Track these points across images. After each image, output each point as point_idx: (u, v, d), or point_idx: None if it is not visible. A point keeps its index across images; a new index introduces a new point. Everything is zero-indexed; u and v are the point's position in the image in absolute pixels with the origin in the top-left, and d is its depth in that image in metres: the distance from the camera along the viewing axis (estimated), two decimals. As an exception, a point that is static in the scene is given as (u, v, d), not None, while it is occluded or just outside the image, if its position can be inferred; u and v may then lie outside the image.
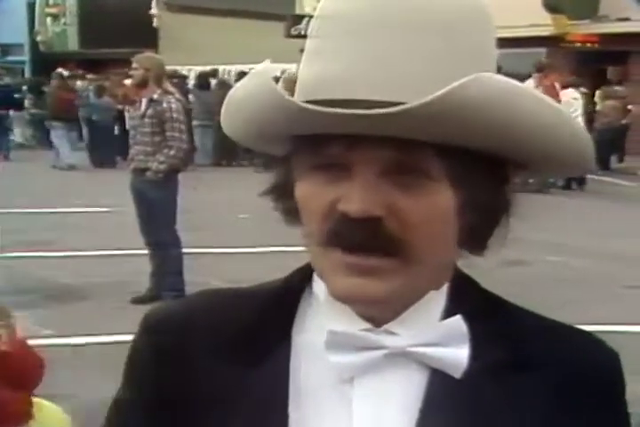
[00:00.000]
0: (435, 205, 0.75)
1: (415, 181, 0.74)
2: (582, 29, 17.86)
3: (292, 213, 0.81)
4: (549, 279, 6.82)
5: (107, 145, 15.42)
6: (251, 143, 0.87)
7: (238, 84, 0.80)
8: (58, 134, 15.72)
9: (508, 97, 0.71)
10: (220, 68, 17.89)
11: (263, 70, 0.75)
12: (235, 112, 0.82)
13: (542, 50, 18.15)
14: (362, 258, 0.74)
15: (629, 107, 14.54)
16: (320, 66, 0.76)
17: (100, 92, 16.26)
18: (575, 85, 13.28)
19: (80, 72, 20.03)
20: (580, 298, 6.15)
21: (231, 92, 0.81)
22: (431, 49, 0.73)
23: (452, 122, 0.69)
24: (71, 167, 15.04)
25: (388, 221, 0.74)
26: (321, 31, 0.77)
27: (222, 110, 0.83)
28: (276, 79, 0.76)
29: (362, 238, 0.74)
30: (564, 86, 12.64)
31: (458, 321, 0.79)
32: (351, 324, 0.81)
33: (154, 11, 26.12)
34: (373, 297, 0.76)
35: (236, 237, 8.23)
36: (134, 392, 0.87)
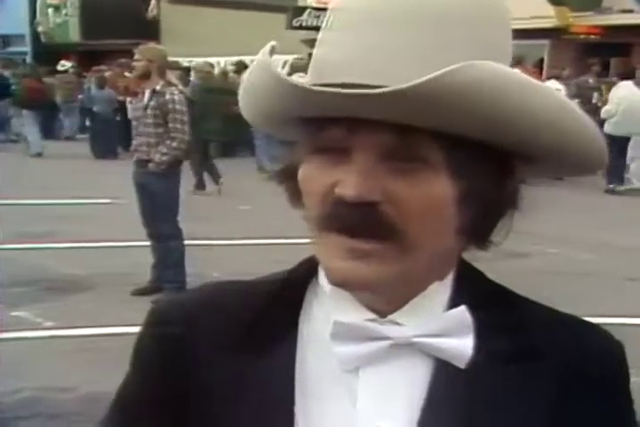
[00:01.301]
0: (432, 193, 0.74)
1: (414, 168, 0.74)
2: (586, 21, 17.81)
3: (295, 196, 0.81)
4: (550, 272, 6.82)
5: (108, 136, 15.42)
6: (265, 127, 0.88)
7: (248, 69, 0.82)
8: (27, 122, 16.12)
9: (502, 85, 0.70)
10: (222, 59, 17.85)
11: (265, 52, 0.77)
12: (244, 95, 0.84)
13: (545, 42, 18.14)
14: (357, 241, 0.74)
15: None
16: (324, 53, 0.78)
17: (101, 83, 16.25)
18: (557, 77, 13.31)
19: (71, 64, 20.17)
20: (581, 290, 6.16)
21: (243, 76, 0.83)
22: (428, 40, 0.73)
23: (443, 107, 0.70)
24: (38, 155, 15.33)
25: (384, 206, 0.74)
26: (329, 23, 0.79)
27: (239, 96, 0.85)
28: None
29: (357, 222, 0.74)
30: (548, 78, 12.71)
31: (462, 312, 0.79)
32: (356, 314, 0.81)
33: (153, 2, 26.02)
34: (367, 281, 0.76)
35: (238, 228, 8.24)
36: (139, 384, 0.87)
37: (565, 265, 7.14)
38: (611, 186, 11.64)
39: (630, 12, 17.10)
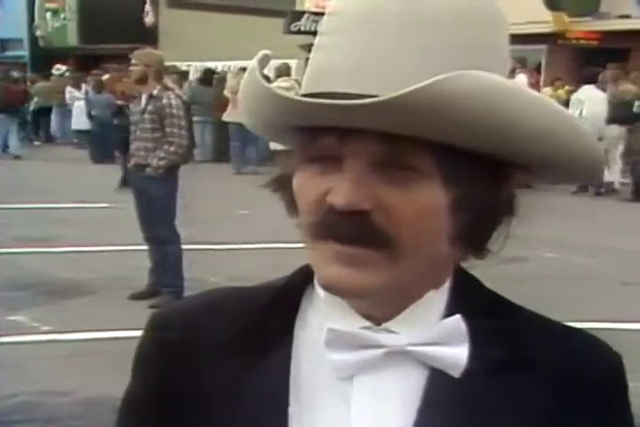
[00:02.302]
0: (423, 201, 0.74)
1: (405, 176, 0.74)
2: (583, 26, 17.84)
3: (291, 204, 0.81)
4: (547, 276, 6.83)
5: (106, 141, 15.42)
6: (265, 134, 0.88)
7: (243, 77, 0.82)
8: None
9: (492, 96, 0.69)
10: (220, 64, 17.88)
11: (256, 62, 0.77)
12: (241, 105, 0.84)
13: (542, 47, 18.16)
14: (348, 248, 0.74)
15: None
16: (319, 60, 0.77)
17: (98, 87, 16.24)
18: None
19: (66, 68, 20.27)
20: (578, 294, 6.17)
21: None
22: (423, 44, 0.73)
23: (429, 118, 0.69)
24: (16, 157, 15.61)
25: (375, 214, 0.74)
26: (325, 27, 0.78)
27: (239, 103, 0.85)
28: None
29: (349, 231, 0.74)
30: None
31: (457, 320, 0.79)
32: (350, 321, 0.81)
33: (147, 8, 26.03)
34: (358, 287, 0.75)
35: (236, 233, 8.23)
36: (140, 389, 0.88)
37: (563, 269, 7.14)
38: (574, 190, 11.49)
39: (628, 17, 17.11)
